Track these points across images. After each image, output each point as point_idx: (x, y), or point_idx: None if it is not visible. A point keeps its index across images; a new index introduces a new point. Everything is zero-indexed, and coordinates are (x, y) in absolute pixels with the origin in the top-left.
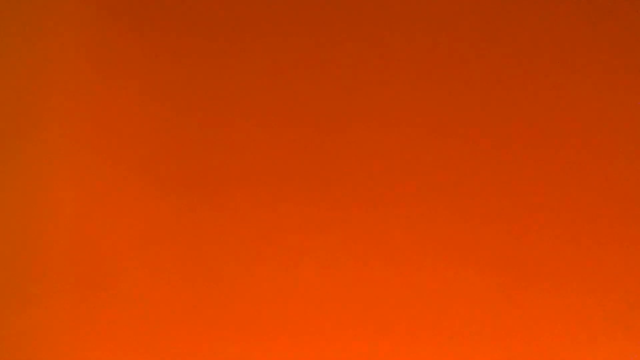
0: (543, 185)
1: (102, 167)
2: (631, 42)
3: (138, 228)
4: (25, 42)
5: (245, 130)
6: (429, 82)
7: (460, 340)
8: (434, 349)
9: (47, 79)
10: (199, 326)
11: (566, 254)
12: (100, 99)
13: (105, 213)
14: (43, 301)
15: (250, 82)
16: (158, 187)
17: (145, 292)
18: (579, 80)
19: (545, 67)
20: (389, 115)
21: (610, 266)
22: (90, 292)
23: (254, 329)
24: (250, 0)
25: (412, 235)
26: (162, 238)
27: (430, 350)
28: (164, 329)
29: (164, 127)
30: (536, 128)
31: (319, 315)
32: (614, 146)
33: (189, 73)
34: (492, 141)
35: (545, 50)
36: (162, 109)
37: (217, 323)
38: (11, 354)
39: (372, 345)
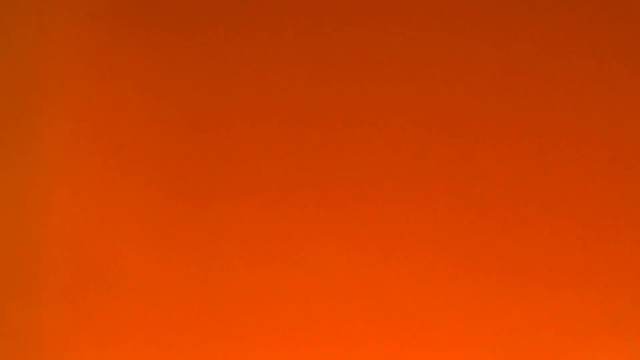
0: (543, 185)
1: (101, 167)
2: (631, 42)
3: (138, 228)
4: (25, 42)
5: (245, 130)
6: (429, 82)
7: (460, 341)
8: (434, 350)
9: (48, 79)
10: (199, 326)
11: (566, 254)
12: (101, 99)
13: (105, 213)
14: (43, 301)
15: (250, 84)
16: (158, 187)
17: (146, 292)
18: (578, 80)
19: (546, 67)
20: (388, 116)
21: (610, 266)
22: (90, 292)
23: (254, 329)
24: (250, 1)
25: (412, 235)
26: (162, 238)
27: (430, 350)
28: (164, 329)
29: (164, 128)
30: (536, 128)
31: (320, 315)
32: (614, 146)
33: (189, 74)
34: (492, 141)
35: (544, 50)
36: (163, 109)
37: (217, 323)
38: (11, 354)
39: (372, 345)
